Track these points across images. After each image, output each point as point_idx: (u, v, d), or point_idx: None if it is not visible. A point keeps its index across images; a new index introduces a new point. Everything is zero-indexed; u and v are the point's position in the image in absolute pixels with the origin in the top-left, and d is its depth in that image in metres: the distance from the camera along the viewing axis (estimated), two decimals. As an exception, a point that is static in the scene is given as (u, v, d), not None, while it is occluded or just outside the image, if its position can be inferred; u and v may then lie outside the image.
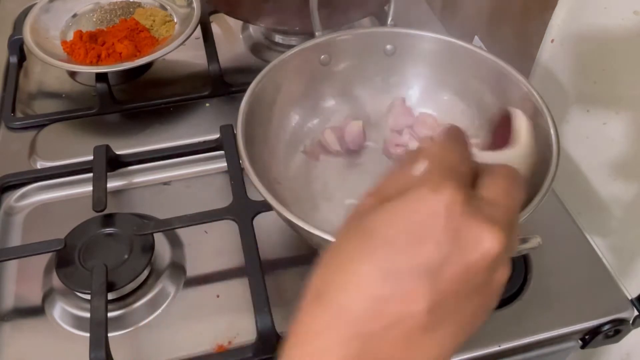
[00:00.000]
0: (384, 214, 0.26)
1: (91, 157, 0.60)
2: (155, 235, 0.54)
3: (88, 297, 0.49)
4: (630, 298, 0.52)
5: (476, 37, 0.77)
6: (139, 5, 0.78)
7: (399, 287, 0.25)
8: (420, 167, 0.28)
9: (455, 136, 0.30)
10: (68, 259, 0.52)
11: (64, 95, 0.73)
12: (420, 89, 0.63)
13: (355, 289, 0.25)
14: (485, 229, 0.25)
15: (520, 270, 0.54)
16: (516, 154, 0.38)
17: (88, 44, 0.69)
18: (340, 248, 0.27)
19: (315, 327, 0.26)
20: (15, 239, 0.57)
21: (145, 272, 0.52)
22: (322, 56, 0.60)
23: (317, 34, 0.59)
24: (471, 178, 0.29)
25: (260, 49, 0.79)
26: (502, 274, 0.27)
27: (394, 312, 0.25)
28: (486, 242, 0.25)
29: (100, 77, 0.67)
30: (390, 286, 0.25)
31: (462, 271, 0.25)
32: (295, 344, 0.26)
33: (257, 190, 0.45)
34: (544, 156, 0.50)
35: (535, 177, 0.50)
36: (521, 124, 0.39)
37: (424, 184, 0.26)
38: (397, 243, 0.25)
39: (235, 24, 0.82)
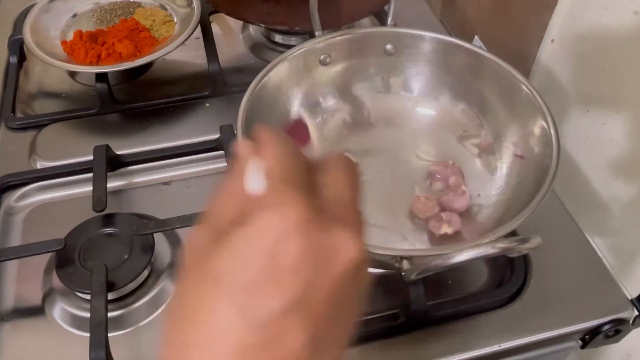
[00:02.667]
0: (228, 254, 0.22)
1: (91, 157, 0.60)
2: (155, 235, 0.54)
3: (88, 297, 0.49)
4: (630, 298, 0.52)
5: (476, 37, 0.77)
6: (139, 5, 0.78)
7: (270, 330, 0.22)
8: (257, 184, 0.24)
9: (282, 138, 0.26)
10: (68, 259, 0.52)
11: (64, 95, 0.73)
12: (420, 89, 0.63)
13: (220, 345, 0.21)
14: (341, 237, 0.23)
15: (520, 270, 0.54)
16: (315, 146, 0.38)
17: (88, 44, 0.68)
18: (189, 301, 0.23)
19: None
20: (15, 239, 0.57)
21: (145, 272, 0.52)
22: (322, 56, 0.60)
23: (317, 34, 0.59)
24: (310, 182, 0.26)
25: (260, 49, 0.79)
26: (366, 273, 0.25)
27: (272, 358, 0.22)
28: (346, 251, 0.23)
29: (100, 77, 0.67)
30: (259, 333, 0.21)
31: (330, 289, 0.23)
32: None
33: (257, 190, 0.45)
34: (544, 156, 0.50)
35: (536, 177, 0.50)
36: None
37: (265, 204, 0.23)
38: (254, 284, 0.22)
39: (235, 24, 0.82)
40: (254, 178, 0.24)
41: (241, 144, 0.27)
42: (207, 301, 0.22)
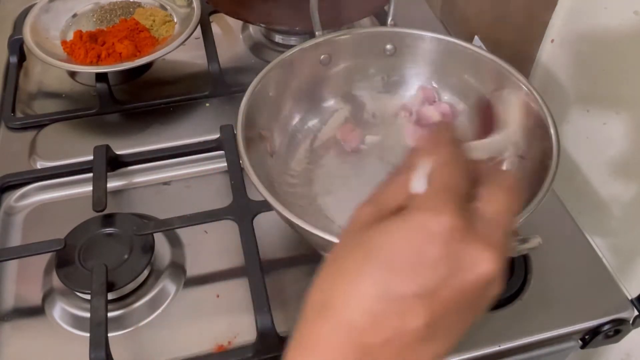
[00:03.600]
0: (383, 235, 0.27)
1: (91, 157, 0.60)
2: (155, 235, 0.54)
3: (88, 297, 0.49)
4: (630, 298, 0.52)
5: (476, 37, 0.77)
6: (139, 5, 0.78)
7: (398, 306, 0.25)
8: (420, 186, 0.28)
9: (456, 142, 0.30)
10: (68, 259, 0.52)
11: (64, 95, 0.73)
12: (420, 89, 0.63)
13: (355, 305, 0.26)
14: (481, 253, 0.26)
15: (520, 270, 0.54)
16: (503, 137, 0.38)
17: (88, 44, 0.69)
18: (340, 264, 0.28)
19: (316, 338, 0.27)
20: (15, 239, 0.57)
21: (145, 272, 0.52)
22: (322, 56, 0.60)
23: (317, 34, 0.59)
24: (469, 190, 0.29)
25: (260, 49, 0.79)
26: (496, 289, 0.28)
27: (392, 327, 0.26)
28: (482, 266, 0.26)
29: (100, 77, 0.67)
30: (388, 305, 0.26)
31: (458, 293, 0.26)
32: (296, 354, 0.27)
33: (257, 190, 0.45)
34: (544, 156, 0.50)
35: (536, 177, 0.50)
36: (508, 107, 0.39)
37: (425, 206, 0.27)
38: (396, 266, 0.26)
39: (235, 24, 0.82)
40: (418, 180, 0.28)
41: (422, 140, 0.30)
42: (355, 267, 0.27)
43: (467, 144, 0.31)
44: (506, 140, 0.36)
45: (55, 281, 0.52)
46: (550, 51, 0.64)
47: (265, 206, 0.53)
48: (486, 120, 0.39)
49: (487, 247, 0.26)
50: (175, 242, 0.56)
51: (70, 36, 0.72)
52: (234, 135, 0.56)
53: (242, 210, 0.55)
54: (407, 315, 0.25)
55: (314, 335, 0.27)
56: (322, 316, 0.27)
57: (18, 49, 0.74)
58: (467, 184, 0.28)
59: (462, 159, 0.29)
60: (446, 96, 0.62)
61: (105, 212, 0.55)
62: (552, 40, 0.64)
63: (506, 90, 0.37)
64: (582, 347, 0.52)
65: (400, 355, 0.26)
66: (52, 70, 0.74)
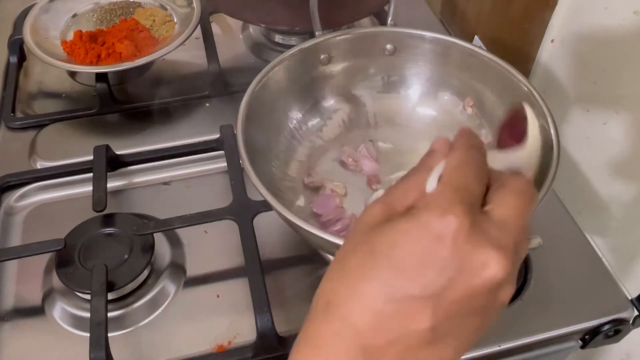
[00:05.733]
0: (391, 235, 0.26)
1: (91, 157, 0.60)
2: (155, 235, 0.54)
3: (88, 297, 0.49)
4: (630, 298, 0.52)
5: (476, 37, 0.77)
6: (139, 5, 0.78)
7: (403, 307, 0.25)
8: (432, 184, 0.27)
9: (475, 147, 0.29)
10: (68, 259, 0.52)
11: (64, 95, 0.73)
12: (420, 89, 0.63)
13: (361, 305, 0.26)
14: (490, 255, 0.25)
15: (520, 270, 0.54)
16: (526, 154, 0.37)
17: (88, 44, 0.68)
18: (348, 263, 0.27)
19: (322, 337, 0.27)
20: (15, 239, 0.57)
21: (145, 272, 0.52)
22: (322, 56, 0.60)
23: (317, 34, 0.59)
24: (483, 194, 0.28)
25: (260, 49, 0.79)
26: (506, 294, 0.27)
27: (397, 329, 0.25)
28: (490, 269, 0.25)
29: (100, 77, 0.67)
30: (394, 306, 0.25)
31: (465, 295, 0.26)
32: (302, 353, 0.27)
33: (257, 190, 0.45)
34: (544, 156, 0.50)
35: (535, 177, 0.50)
36: (532, 123, 0.38)
37: (433, 206, 0.26)
38: (403, 267, 0.25)
39: (235, 24, 0.82)
40: (432, 179, 0.28)
41: (439, 142, 0.31)
42: (362, 265, 0.26)
43: (488, 152, 0.30)
44: (529, 158, 0.35)
45: (55, 281, 0.52)
46: (550, 51, 0.64)
47: (265, 206, 0.53)
48: (515, 131, 0.39)
49: (496, 250, 0.26)
50: (175, 242, 0.56)
51: (70, 36, 0.72)
52: (234, 135, 0.56)
53: (242, 210, 0.55)
54: (412, 317, 0.25)
55: (319, 335, 0.27)
56: (327, 317, 0.27)
57: (18, 49, 0.74)
58: (481, 187, 0.28)
59: (478, 163, 0.29)
60: (446, 96, 0.62)
61: (105, 212, 0.55)
62: (552, 40, 0.64)
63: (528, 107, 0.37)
64: (582, 347, 0.52)
65: (404, 358, 0.26)
66: (52, 70, 0.74)
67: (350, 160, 0.59)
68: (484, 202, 0.28)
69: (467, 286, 0.25)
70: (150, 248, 0.53)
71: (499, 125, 0.41)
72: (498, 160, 0.31)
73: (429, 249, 0.25)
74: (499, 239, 0.26)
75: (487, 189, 0.29)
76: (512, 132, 0.38)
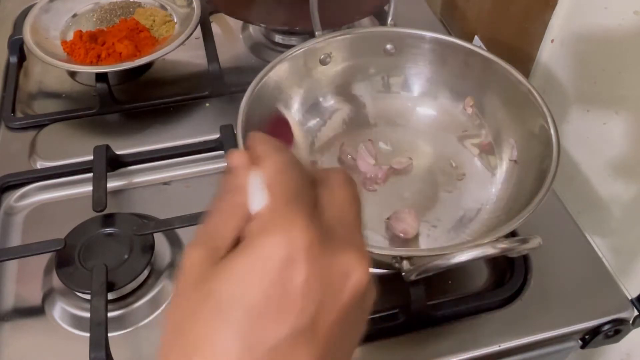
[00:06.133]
0: (231, 278, 0.22)
1: (91, 157, 0.60)
2: (155, 235, 0.54)
3: (88, 297, 0.49)
4: (630, 298, 0.52)
5: (476, 37, 0.77)
6: (139, 5, 0.78)
7: (277, 356, 0.21)
8: (256, 203, 0.23)
9: (279, 148, 0.25)
10: (68, 259, 0.52)
11: (64, 95, 0.73)
12: (420, 89, 0.63)
13: None
14: (349, 261, 0.22)
15: (520, 270, 0.54)
16: (296, 151, 0.36)
17: (88, 44, 0.68)
18: (188, 331, 0.22)
19: None
20: (15, 239, 0.57)
21: (145, 272, 0.52)
22: (322, 56, 0.60)
23: (317, 34, 0.59)
24: (313, 194, 0.25)
25: (260, 49, 0.79)
26: (372, 295, 0.24)
27: None
28: (355, 276, 0.22)
29: (100, 77, 0.67)
30: (266, 359, 0.21)
31: (340, 314, 0.22)
32: None
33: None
34: (544, 156, 0.50)
35: (535, 178, 0.50)
36: (294, 123, 0.37)
37: (268, 226, 0.22)
38: (260, 311, 0.21)
39: (235, 24, 0.82)
40: (256, 195, 0.23)
41: (237, 156, 0.25)
42: (209, 330, 0.21)
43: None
44: (300, 154, 0.34)
45: (55, 281, 0.52)
46: (550, 51, 0.64)
47: (265, 206, 0.53)
48: (281, 133, 0.38)
49: (353, 252, 0.23)
50: (175, 242, 0.56)
51: (70, 36, 0.72)
52: (234, 135, 0.56)
53: (242, 210, 0.55)
54: None
55: None
56: None
57: (18, 49, 0.74)
58: (310, 190, 0.24)
59: (298, 164, 0.25)
60: (446, 96, 0.62)
61: (105, 212, 0.55)
62: (552, 40, 0.64)
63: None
64: (582, 347, 0.52)
65: None
66: (52, 70, 0.74)
67: (349, 157, 0.59)
68: (315, 206, 0.24)
69: (339, 303, 0.22)
70: (150, 248, 0.53)
71: (267, 131, 0.41)
72: None
73: (282, 277, 0.21)
74: (347, 238, 0.23)
75: (315, 193, 0.25)
76: (277, 135, 0.37)
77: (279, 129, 0.39)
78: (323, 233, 0.22)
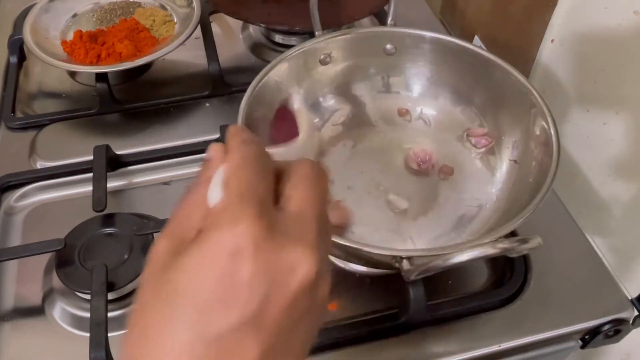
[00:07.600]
0: (185, 268, 0.23)
1: (91, 157, 0.60)
2: (155, 235, 0.54)
3: (88, 297, 0.49)
4: (630, 298, 0.53)
5: (476, 37, 0.77)
6: (139, 5, 0.78)
7: (223, 345, 0.22)
8: (213, 197, 0.24)
9: (248, 142, 0.26)
10: (68, 259, 0.52)
11: (64, 95, 0.73)
12: (420, 89, 0.63)
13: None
14: (296, 255, 0.23)
15: (520, 270, 0.54)
16: (301, 143, 0.36)
17: (88, 44, 0.68)
18: (147, 315, 0.23)
19: None
20: (15, 239, 0.57)
21: (145, 272, 0.52)
22: (322, 56, 0.60)
23: (317, 33, 0.59)
24: (272, 188, 0.25)
25: (260, 49, 0.79)
26: (324, 288, 0.25)
27: None
28: (301, 269, 0.23)
29: (100, 77, 0.67)
30: (209, 348, 0.22)
31: (286, 305, 0.23)
32: None
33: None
34: (544, 156, 0.50)
35: (535, 178, 0.50)
36: (301, 115, 0.37)
37: (222, 220, 0.23)
38: (208, 301, 0.22)
39: (235, 24, 0.82)
40: (214, 190, 0.24)
41: (213, 149, 0.26)
42: (161, 319, 0.22)
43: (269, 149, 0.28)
44: (304, 146, 0.34)
45: (55, 281, 0.52)
46: (550, 51, 0.64)
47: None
48: (286, 126, 0.39)
49: (301, 247, 0.23)
50: (175, 242, 0.56)
51: (70, 36, 0.72)
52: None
53: (242, 210, 0.55)
54: (238, 350, 0.22)
55: None
56: None
57: (18, 49, 0.74)
58: (267, 183, 0.25)
59: (256, 158, 0.26)
60: (446, 96, 0.62)
61: (105, 212, 0.55)
62: (552, 40, 0.64)
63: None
64: (582, 347, 0.52)
65: None
66: (52, 70, 0.74)
67: None
68: (277, 197, 0.25)
69: (285, 295, 0.23)
70: (150, 248, 0.52)
71: (269, 126, 0.41)
72: (277, 156, 0.29)
73: (230, 270, 0.22)
74: (300, 234, 0.24)
75: (278, 182, 0.26)
76: (282, 128, 0.37)
77: (284, 122, 0.39)
78: (271, 228, 0.23)
